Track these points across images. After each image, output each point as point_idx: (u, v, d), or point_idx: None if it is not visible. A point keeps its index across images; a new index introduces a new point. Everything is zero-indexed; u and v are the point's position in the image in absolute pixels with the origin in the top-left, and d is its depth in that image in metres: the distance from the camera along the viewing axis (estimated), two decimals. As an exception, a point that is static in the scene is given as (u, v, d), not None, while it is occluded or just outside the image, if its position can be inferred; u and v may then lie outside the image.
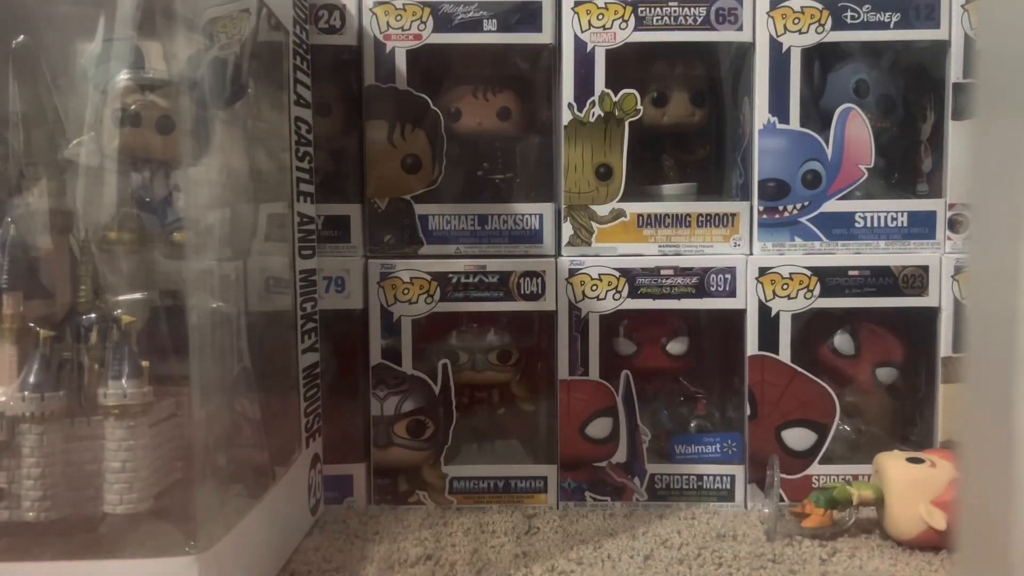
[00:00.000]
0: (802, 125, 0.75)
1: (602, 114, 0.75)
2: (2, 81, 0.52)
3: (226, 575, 0.52)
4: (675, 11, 0.75)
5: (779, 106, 0.75)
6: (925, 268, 0.74)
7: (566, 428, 0.77)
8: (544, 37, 0.76)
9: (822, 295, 0.75)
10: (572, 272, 0.76)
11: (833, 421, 0.75)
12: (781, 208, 0.76)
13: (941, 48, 0.75)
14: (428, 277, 0.76)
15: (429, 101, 0.76)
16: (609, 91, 0.75)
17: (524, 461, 0.79)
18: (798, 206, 0.75)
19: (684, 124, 0.81)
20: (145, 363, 0.51)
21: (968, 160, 0.70)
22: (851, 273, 0.75)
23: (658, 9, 0.75)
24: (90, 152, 0.52)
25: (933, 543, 0.64)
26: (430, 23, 0.75)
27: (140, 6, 0.52)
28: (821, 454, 0.76)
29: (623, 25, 0.75)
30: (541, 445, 0.80)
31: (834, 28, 0.74)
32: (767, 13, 0.74)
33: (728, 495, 0.77)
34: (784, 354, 0.75)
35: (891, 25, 0.74)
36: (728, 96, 0.82)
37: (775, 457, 0.71)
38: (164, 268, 0.53)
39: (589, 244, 0.76)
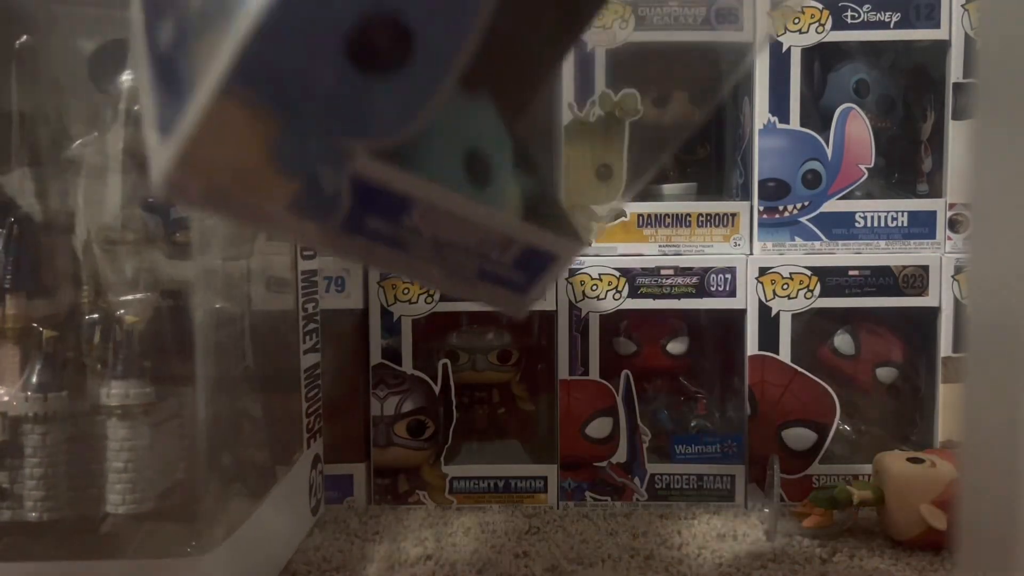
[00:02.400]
0: (802, 125, 0.75)
1: (602, 114, 0.75)
2: (5, 80, 0.52)
3: (228, 575, 0.53)
4: (675, 11, 0.75)
5: (779, 106, 0.75)
6: (925, 268, 0.74)
7: (566, 428, 0.77)
8: (545, 37, 0.76)
9: (822, 295, 0.75)
10: (572, 272, 0.76)
11: (833, 421, 0.75)
12: (781, 208, 0.76)
13: (941, 48, 0.75)
14: (429, 277, 0.76)
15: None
16: (609, 91, 0.75)
17: (524, 461, 0.79)
18: (798, 206, 0.76)
19: (684, 124, 0.81)
20: (147, 363, 0.51)
21: (968, 160, 0.70)
22: (851, 273, 0.75)
23: (658, 9, 0.75)
24: (93, 152, 0.53)
25: (934, 543, 0.64)
26: (431, 23, 0.75)
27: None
28: (821, 454, 0.76)
29: (623, 25, 0.75)
30: (541, 445, 0.80)
31: (834, 28, 0.75)
32: (767, 13, 0.75)
33: (728, 495, 0.77)
34: (784, 354, 0.75)
35: (891, 25, 0.74)
36: (728, 96, 0.82)
37: (775, 457, 0.71)
38: (167, 268, 0.53)
39: (589, 244, 0.76)
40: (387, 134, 0.30)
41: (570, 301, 0.76)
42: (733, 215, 0.76)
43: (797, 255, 0.75)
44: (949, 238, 0.75)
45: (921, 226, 0.75)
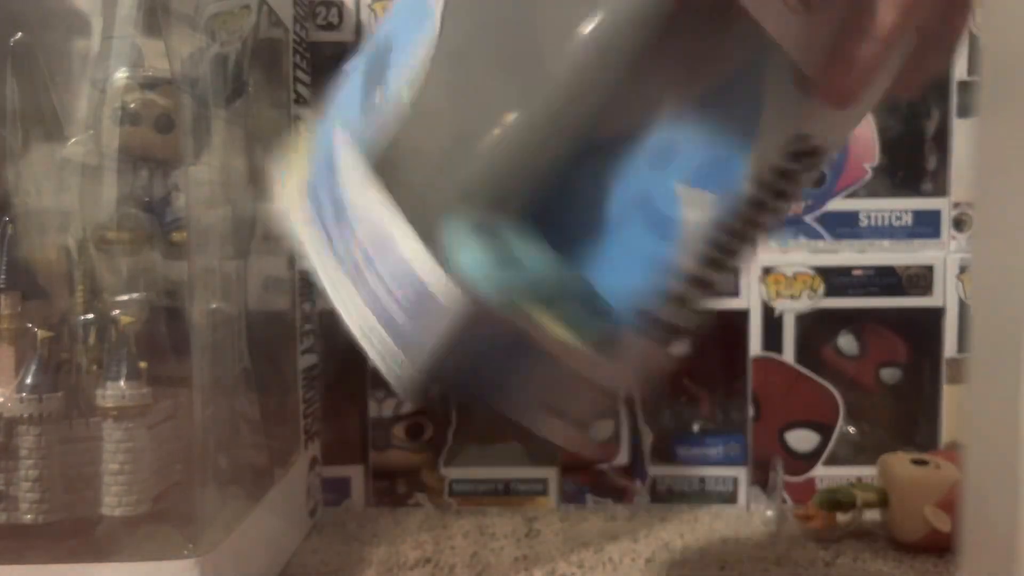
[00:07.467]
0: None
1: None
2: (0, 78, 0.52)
3: (225, 578, 0.52)
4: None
5: (782, 105, 0.74)
6: (930, 268, 0.74)
7: (568, 429, 0.76)
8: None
9: (826, 295, 0.74)
10: (574, 272, 0.75)
11: (837, 422, 0.75)
12: (784, 207, 0.75)
13: (945, 46, 0.74)
14: (429, 277, 0.75)
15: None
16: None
17: (525, 463, 0.79)
18: (802, 205, 0.75)
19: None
20: (143, 364, 0.50)
21: (973, 158, 0.70)
22: (855, 273, 0.74)
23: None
24: (88, 151, 0.52)
25: (938, 545, 0.64)
26: (430, 22, 0.75)
27: (140, 4, 0.52)
28: (825, 456, 0.75)
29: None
30: (542, 447, 0.80)
31: (837, 26, 0.74)
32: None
33: (731, 497, 0.76)
34: (788, 354, 0.75)
35: (895, 23, 0.74)
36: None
37: (778, 459, 0.70)
38: (163, 268, 0.53)
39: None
40: None
41: (571, 301, 0.75)
42: (735, 215, 0.76)
43: (801, 254, 0.75)
44: (954, 237, 0.75)
45: (925, 225, 0.75)
